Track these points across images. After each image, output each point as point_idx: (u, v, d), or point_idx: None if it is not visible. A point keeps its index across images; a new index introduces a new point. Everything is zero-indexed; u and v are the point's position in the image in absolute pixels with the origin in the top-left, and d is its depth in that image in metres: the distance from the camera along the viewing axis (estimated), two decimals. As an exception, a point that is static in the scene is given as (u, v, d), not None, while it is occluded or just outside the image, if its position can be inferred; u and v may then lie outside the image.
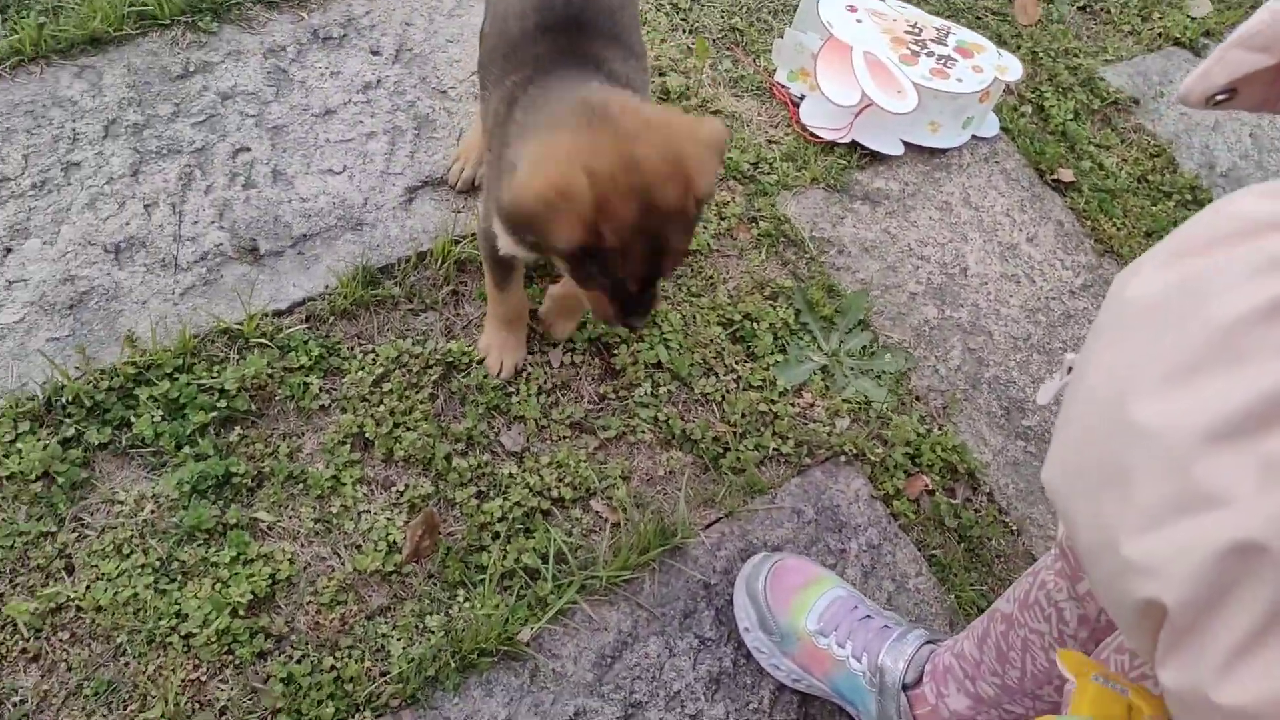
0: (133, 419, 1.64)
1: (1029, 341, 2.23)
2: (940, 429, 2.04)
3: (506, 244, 1.47)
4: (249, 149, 1.99)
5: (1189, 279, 0.70)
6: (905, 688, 1.53)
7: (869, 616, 1.62)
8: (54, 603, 1.49)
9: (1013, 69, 2.48)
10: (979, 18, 2.82)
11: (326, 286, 1.86)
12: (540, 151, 1.28)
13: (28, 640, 1.46)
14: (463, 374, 1.85)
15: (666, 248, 1.31)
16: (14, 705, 1.42)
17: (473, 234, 1.99)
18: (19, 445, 1.58)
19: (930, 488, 1.97)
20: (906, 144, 2.46)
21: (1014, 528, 1.96)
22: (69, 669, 1.46)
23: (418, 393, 1.81)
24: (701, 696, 1.64)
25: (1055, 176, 2.52)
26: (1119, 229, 2.46)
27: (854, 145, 2.42)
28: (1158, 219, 2.49)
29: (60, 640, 1.47)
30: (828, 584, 1.67)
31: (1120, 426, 0.68)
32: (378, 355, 1.82)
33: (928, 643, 1.56)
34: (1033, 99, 2.68)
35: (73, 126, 1.94)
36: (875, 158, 2.43)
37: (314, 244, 1.91)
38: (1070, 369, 0.91)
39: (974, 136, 2.53)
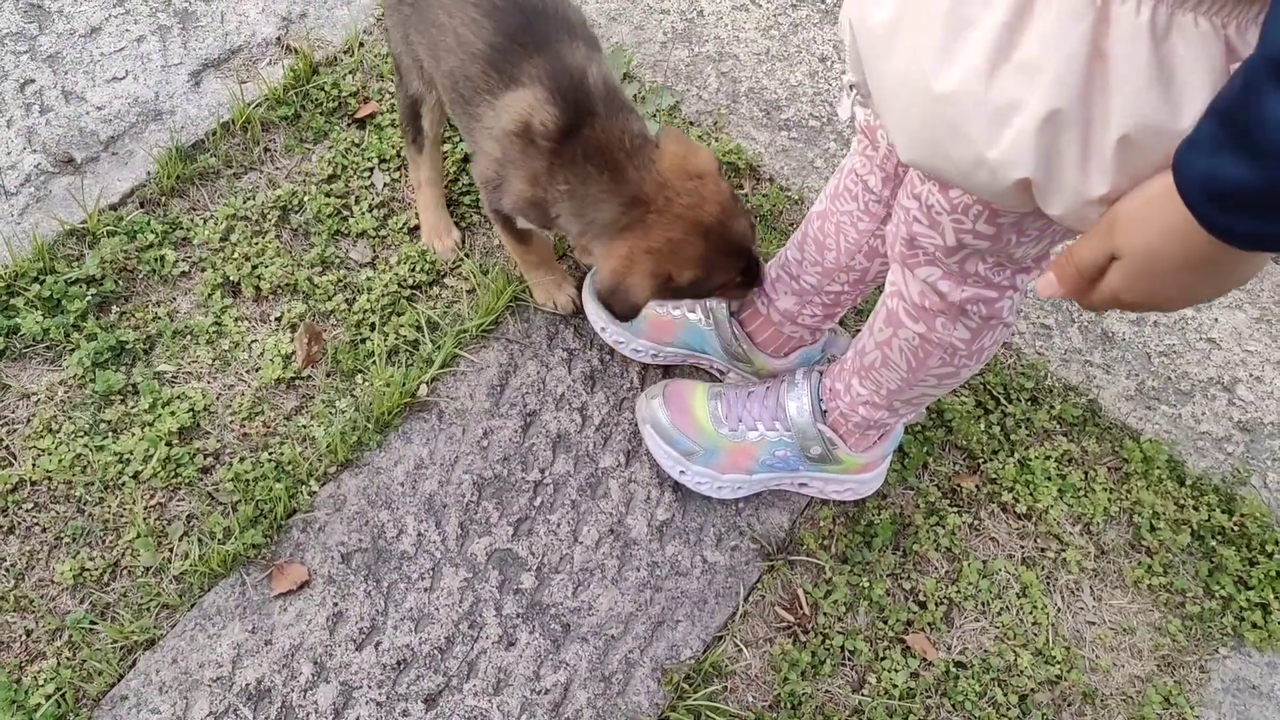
0: (19, 324, 1.72)
1: (770, 54, 2.46)
2: (717, 140, 2.26)
3: (525, 223, 1.69)
4: (33, 80, 2.02)
5: None
6: (733, 315, 1.78)
7: (691, 281, 1.86)
8: (8, 484, 1.60)
9: None
10: None
11: (148, 173, 1.95)
12: (621, 255, 1.53)
13: (-3, 519, 1.58)
14: (297, 212, 1.98)
15: (742, 237, 1.57)
16: (5, 570, 1.54)
17: (265, 96, 2.09)
18: (-78, 372, 1.66)
19: (721, 188, 2.20)
20: (621, -77, 2.61)
21: (796, 197, 2.22)
22: (43, 529, 1.58)
23: (263, 237, 1.93)
24: (583, 392, 1.86)
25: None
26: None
27: (576, -65, 2.56)
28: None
29: (26, 510, 1.59)
30: (654, 270, 1.89)
31: (935, 101, 0.91)
32: (216, 217, 1.93)
33: (740, 277, 1.81)
34: None
35: None
36: (598, -58, 2.58)
37: (124, 142, 1.98)
38: (853, 87, 1.10)
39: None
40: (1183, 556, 1.90)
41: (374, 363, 1.81)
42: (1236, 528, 1.92)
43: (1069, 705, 1.72)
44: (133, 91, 2.05)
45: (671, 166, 1.55)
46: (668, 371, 1.92)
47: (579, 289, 1.93)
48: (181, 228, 1.91)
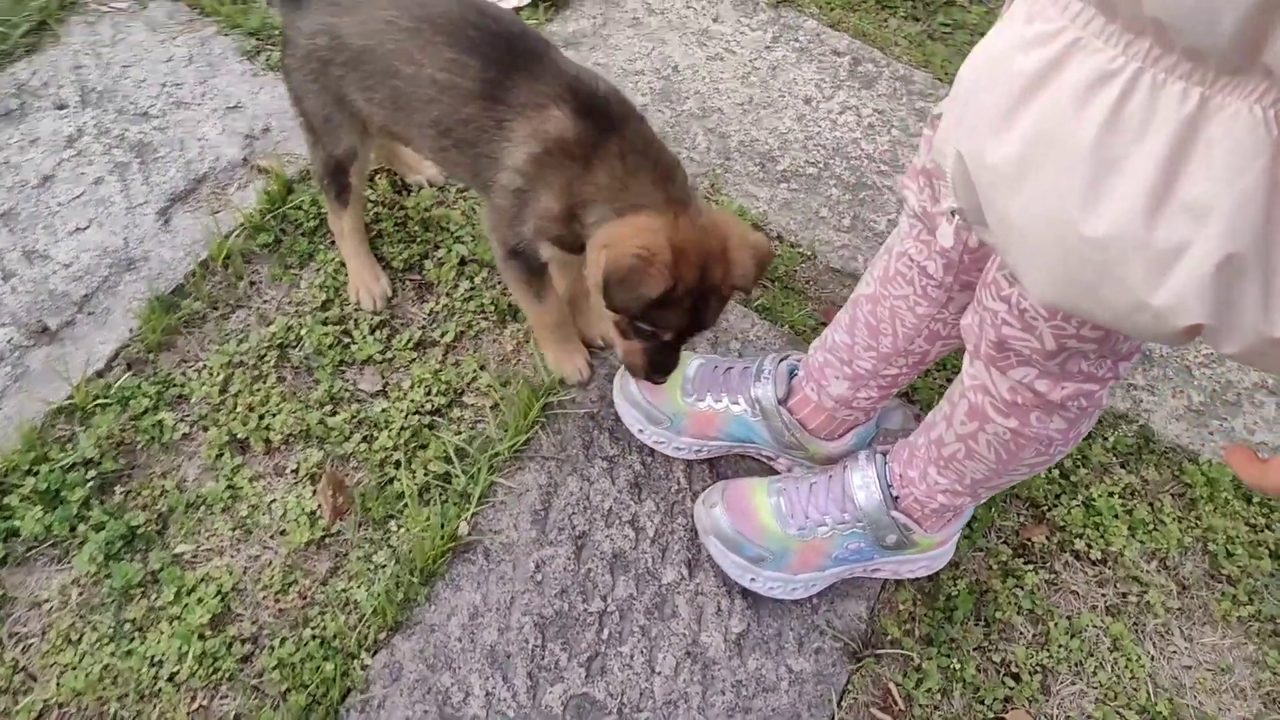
0: (17, 525, 1.56)
1: (754, 102, 2.35)
2: (716, 203, 2.15)
3: (549, 251, 1.59)
4: (-12, 244, 1.85)
5: (1037, 127, 0.81)
6: (782, 402, 1.66)
7: (730, 367, 1.74)
8: (34, 712, 1.43)
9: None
10: None
11: (131, 331, 1.79)
12: (635, 224, 1.44)
13: (28, 754, 1.41)
14: (295, 347, 1.83)
15: (704, 312, 1.50)
16: (47, 811, 1.39)
17: (241, 225, 1.93)
18: (-81, 599, 1.49)
19: (731, 254, 2.08)
20: (578, -17, 2.49)
21: (809, 253, 2.11)
22: (80, 757, 1.42)
23: (264, 381, 1.78)
24: (630, 502, 1.73)
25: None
26: (782, -22, 2.59)
27: (535, 2, 2.43)
28: (808, -43, 2.63)
29: (58, 738, 1.43)
30: (685, 359, 1.77)
31: (1084, 245, 0.80)
32: (211, 367, 1.77)
33: (783, 360, 1.69)
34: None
35: None
36: (555, 4, 2.45)
37: (99, 299, 1.81)
38: (955, 213, 0.99)
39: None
40: (1265, 580, 1.81)
41: (406, 506, 1.66)
42: (1315, 543, 1.84)
43: (1184, 763, 1.63)
44: (99, 241, 1.88)
45: (724, 218, 1.53)
46: (713, 465, 1.80)
47: (590, 364, 1.84)
48: (175, 385, 1.75)
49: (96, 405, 1.69)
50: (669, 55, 2.40)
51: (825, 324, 2.01)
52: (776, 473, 1.77)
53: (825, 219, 2.17)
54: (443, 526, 1.63)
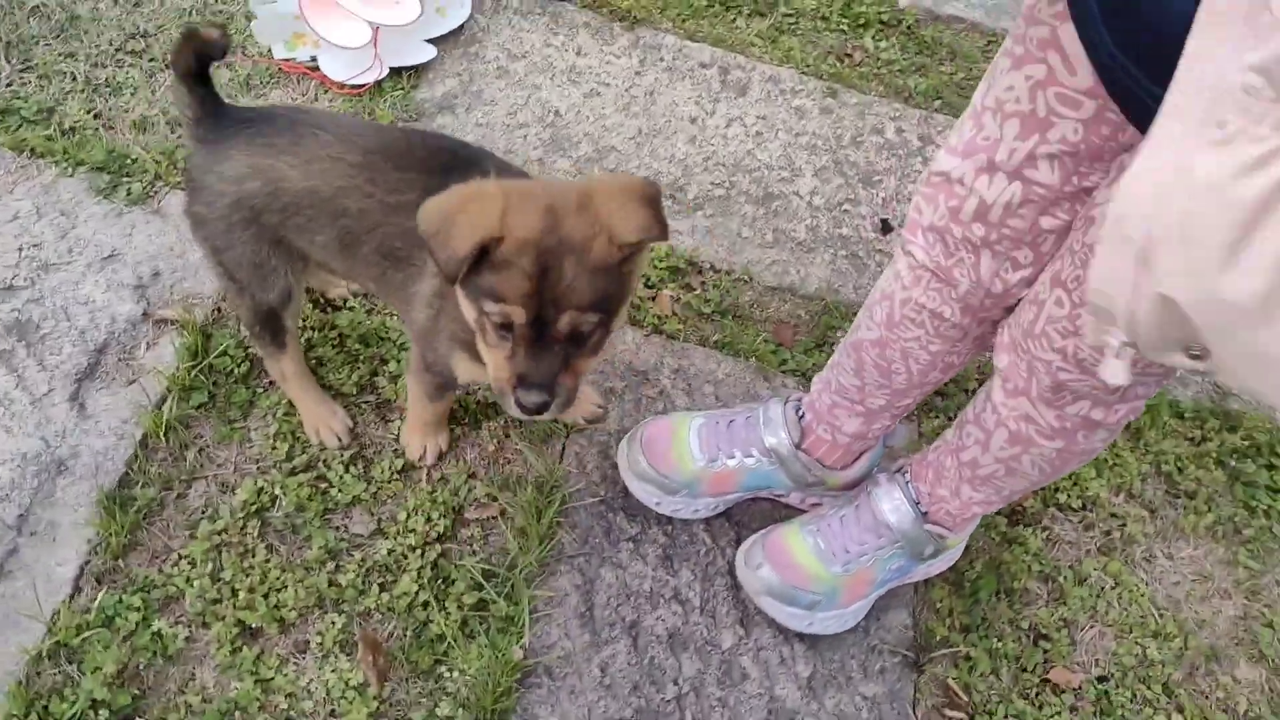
0: (41, 802, 1.38)
1: (643, 133, 2.33)
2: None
3: (466, 372, 1.50)
4: (-120, 485, 1.60)
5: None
6: (797, 446, 1.69)
7: (732, 420, 1.74)
8: None
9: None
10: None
11: (88, 541, 1.60)
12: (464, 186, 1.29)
13: None
14: (272, 509, 1.69)
15: (555, 280, 1.21)
16: None
17: (169, 388, 1.75)
18: None
19: (675, 295, 2.08)
20: (431, 42, 2.37)
21: (743, 276, 2.13)
22: None
23: (253, 557, 1.64)
24: (667, 578, 1.72)
25: (555, -12, 2.53)
26: (634, 1, 2.56)
27: (396, 72, 2.30)
28: (647, -29, 2.60)
29: None
30: (685, 423, 1.76)
31: None
32: (191, 558, 1.61)
33: (785, 403, 1.71)
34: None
35: None
36: (419, 71, 2.33)
37: (37, 516, 1.61)
38: (1128, 345, 0.88)
39: (473, -2, 2.47)
40: (1215, 487, 2.01)
41: (451, 647, 1.59)
42: (1246, 442, 2.05)
43: (1201, 673, 1.80)
44: (14, 449, 1.66)
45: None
46: (729, 515, 1.81)
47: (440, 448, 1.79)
48: (158, 586, 1.59)
49: (79, 637, 1.51)
50: (546, 100, 2.33)
51: (781, 345, 2.04)
52: (790, 507, 1.81)
53: (748, 239, 2.20)
54: (498, 658, 1.57)
